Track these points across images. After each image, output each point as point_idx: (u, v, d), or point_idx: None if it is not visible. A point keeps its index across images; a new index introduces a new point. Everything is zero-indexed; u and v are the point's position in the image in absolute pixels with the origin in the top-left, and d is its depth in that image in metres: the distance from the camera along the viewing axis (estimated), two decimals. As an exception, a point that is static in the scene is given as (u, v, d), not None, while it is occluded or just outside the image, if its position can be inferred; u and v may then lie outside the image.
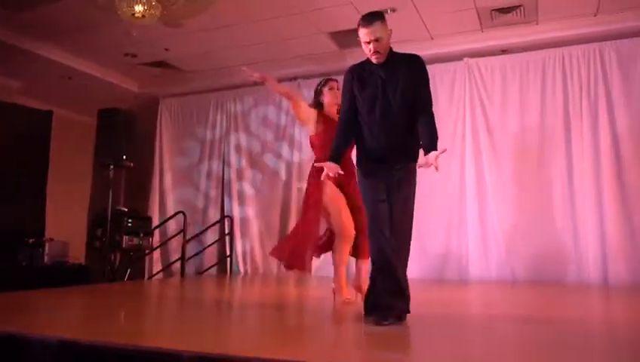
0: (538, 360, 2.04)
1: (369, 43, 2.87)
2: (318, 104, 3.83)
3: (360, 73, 3.00)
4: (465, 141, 6.21)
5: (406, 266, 2.84)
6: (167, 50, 6.61)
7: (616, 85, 5.70)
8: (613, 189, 5.56)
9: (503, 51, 6.21)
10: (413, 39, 6.05)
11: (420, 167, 2.80)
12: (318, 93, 3.86)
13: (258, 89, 7.47)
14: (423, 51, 5.93)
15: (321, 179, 2.92)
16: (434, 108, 2.90)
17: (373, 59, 2.91)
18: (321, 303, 3.88)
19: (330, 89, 3.79)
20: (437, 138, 2.79)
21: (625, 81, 5.67)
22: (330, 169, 2.86)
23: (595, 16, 5.59)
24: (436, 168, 2.65)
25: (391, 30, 2.93)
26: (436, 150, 2.70)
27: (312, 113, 3.76)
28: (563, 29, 5.77)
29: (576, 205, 5.70)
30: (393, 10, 5.49)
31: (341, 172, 2.90)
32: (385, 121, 2.88)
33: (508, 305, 3.99)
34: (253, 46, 6.45)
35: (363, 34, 2.89)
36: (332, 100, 3.75)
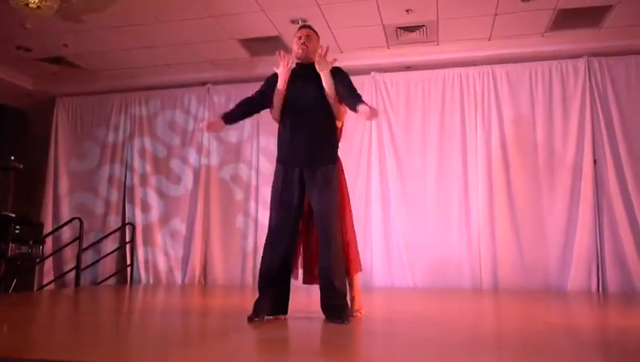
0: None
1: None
2: None
3: None
4: (371, 153, 6.43)
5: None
6: (65, 45, 6.22)
7: (506, 104, 6.21)
8: (504, 201, 6.04)
9: (408, 68, 6.53)
10: (323, 51, 6.18)
11: None
12: None
13: (165, 92, 7.25)
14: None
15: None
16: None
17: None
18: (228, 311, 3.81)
19: None
20: None
21: (514, 100, 6.19)
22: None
23: (489, 40, 6.05)
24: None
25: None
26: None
27: None
28: (461, 50, 6.20)
29: (471, 215, 6.09)
30: (304, 21, 5.58)
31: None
32: None
33: (409, 308, 4.17)
34: (162, 47, 6.25)
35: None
36: None
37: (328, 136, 3.23)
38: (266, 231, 3.22)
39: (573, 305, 4.70)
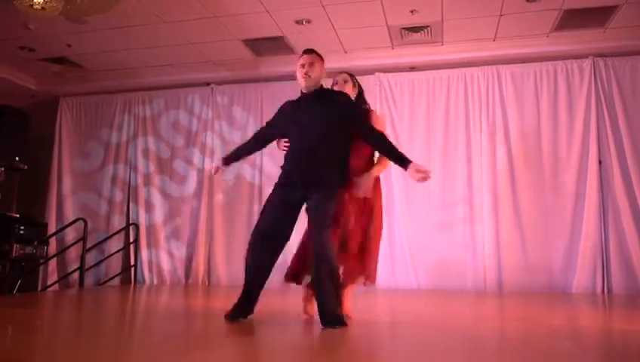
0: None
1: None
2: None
3: None
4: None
5: None
6: (69, 46, 6.21)
7: (511, 104, 6.18)
8: (509, 202, 6.01)
9: (412, 68, 6.51)
10: (327, 51, 6.14)
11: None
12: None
13: (168, 92, 7.25)
14: (336, 64, 6.08)
15: None
16: None
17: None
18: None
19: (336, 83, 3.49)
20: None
21: (518, 101, 6.17)
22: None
23: (494, 41, 6.02)
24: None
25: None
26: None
27: None
28: (465, 51, 6.17)
29: (475, 216, 6.07)
30: (308, 22, 5.57)
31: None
32: None
33: (412, 310, 4.15)
34: (165, 48, 6.25)
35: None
36: None
37: (333, 165, 3.11)
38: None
39: (577, 306, 4.69)
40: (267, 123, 3.46)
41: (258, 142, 3.52)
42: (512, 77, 6.23)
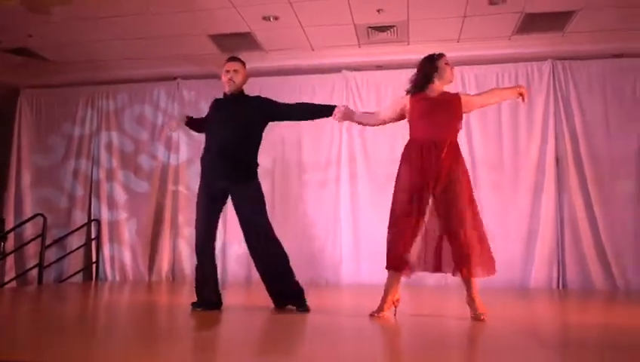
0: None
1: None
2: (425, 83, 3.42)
3: None
4: (341, 151, 6.47)
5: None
6: (30, 36, 6.04)
7: (474, 106, 6.33)
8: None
9: (379, 67, 6.59)
10: (294, 48, 6.19)
11: None
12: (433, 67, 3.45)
13: (133, 86, 7.13)
14: (303, 61, 6.11)
15: None
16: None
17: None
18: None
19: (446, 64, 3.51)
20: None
21: (481, 103, 6.32)
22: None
23: (457, 42, 6.16)
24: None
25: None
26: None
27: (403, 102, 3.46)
28: (430, 51, 6.23)
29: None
30: (276, 19, 5.58)
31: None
32: None
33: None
34: (130, 40, 6.14)
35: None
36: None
37: (244, 159, 3.57)
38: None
39: (535, 301, 4.85)
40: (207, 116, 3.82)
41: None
42: (475, 77, 6.39)
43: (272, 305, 3.56)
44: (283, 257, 3.48)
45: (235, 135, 3.49)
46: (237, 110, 3.56)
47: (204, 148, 3.63)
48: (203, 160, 3.62)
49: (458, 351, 2.43)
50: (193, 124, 3.91)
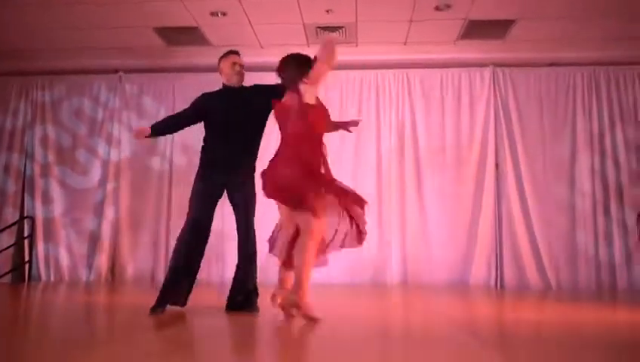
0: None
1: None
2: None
3: None
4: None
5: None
6: (-43, 21, 5.65)
7: (419, 107, 6.47)
8: (415, 200, 6.30)
9: (327, 67, 6.59)
10: (243, 45, 6.09)
11: None
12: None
13: (72, 78, 6.81)
14: (252, 58, 6.00)
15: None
16: None
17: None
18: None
19: None
20: None
21: (426, 104, 6.47)
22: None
23: (404, 45, 6.27)
24: None
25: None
26: None
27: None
28: (378, 53, 6.37)
29: (383, 214, 6.29)
30: (224, 14, 5.49)
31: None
32: None
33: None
34: (70, 30, 5.86)
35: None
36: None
37: (250, 149, 3.63)
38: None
39: (474, 299, 5.02)
40: (191, 109, 3.67)
41: (182, 121, 3.72)
42: (420, 80, 6.53)
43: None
44: (255, 253, 3.64)
45: (251, 124, 3.55)
46: (247, 100, 3.58)
47: (212, 138, 3.59)
48: (211, 151, 3.58)
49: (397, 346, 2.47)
50: (160, 129, 3.77)
